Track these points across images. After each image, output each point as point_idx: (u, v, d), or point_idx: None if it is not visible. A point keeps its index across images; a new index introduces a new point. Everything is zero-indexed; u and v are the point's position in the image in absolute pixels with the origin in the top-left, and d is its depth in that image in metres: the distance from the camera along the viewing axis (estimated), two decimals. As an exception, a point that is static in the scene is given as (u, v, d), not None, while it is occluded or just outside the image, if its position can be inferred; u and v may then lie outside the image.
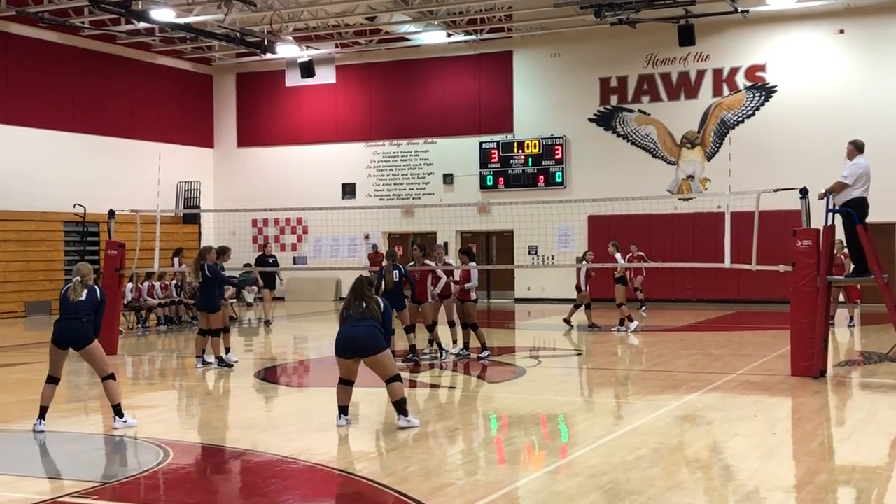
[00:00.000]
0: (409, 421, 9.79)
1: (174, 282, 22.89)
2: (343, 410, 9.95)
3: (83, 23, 26.85)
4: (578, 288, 20.47)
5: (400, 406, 9.81)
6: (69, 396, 12.29)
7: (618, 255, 19.51)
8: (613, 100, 28.85)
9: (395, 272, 14.82)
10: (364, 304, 9.90)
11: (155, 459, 8.71)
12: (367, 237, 30.32)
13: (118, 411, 10.08)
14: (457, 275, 15.90)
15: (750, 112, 27.43)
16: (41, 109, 27.34)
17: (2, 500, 7.35)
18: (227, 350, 15.46)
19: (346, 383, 9.96)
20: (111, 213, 18.20)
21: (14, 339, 19.78)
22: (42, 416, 9.94)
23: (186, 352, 17.84)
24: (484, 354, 15.49)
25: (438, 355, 15.44)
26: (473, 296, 15.59)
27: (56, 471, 8.90)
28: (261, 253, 24.36)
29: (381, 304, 10.06)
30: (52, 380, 10.07)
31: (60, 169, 27.66)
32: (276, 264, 24.15)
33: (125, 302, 20.83)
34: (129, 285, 21.41)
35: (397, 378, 9.87)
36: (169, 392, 13.61)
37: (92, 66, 28.97)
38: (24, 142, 26.77)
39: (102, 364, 10.11)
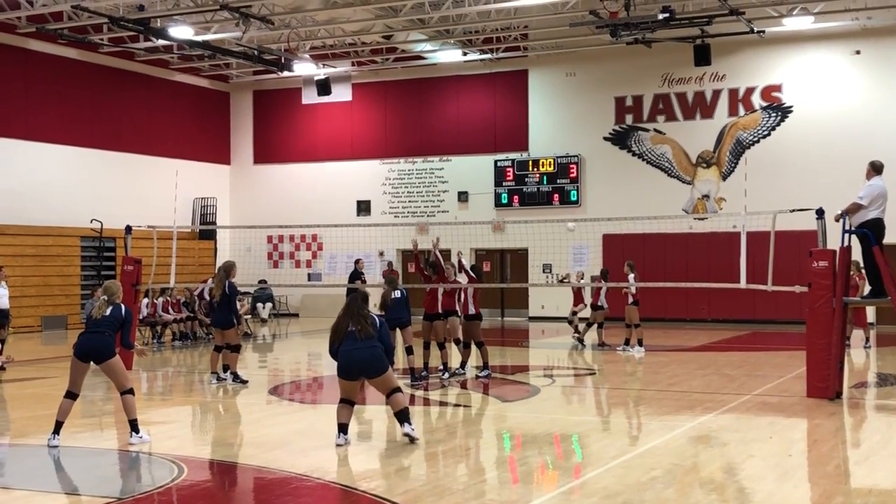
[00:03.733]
0: (413, 429, 9.94)
1: (181, 299, 22.96)
2: (343, 429, 9.95)
3: (102, 40, 27.08)
4: (594, 306, 20.41)
5: (404, 415, 9.96)
6: (84, 412, 12.33)
7: (630, 276, 19.37)
8: (629, 119, 28.86)
9: (397, 292, 14.80)
10: (361, 323, 9.94)
11: (169, 476, 8.73)
12: (381, 254, 30.36)
13: (135, 426, 10.12)
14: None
15: (766, 132, 27.39)
16: (59, 125, 27.54)
17: (17, 515, 7.38)
18: (226, 368, 15.35)
19: (347, 402, 10.01)
20: (128, 228, 18.30)
21: (30, 354, 19.85)
22: (57, 430, 9.98)
23: (201, 367, 17.90)
24: (483, 373, 15.46)
25: (442, 374, 15.35)
26: (472, 310, 15.49)
27: (71, 486, 8.92)
28: (354, 269, 24.16)
29: (378, 322, 10.13)
30: (71, 395, 10.11)
31: (78, 184, 27.84)
32: (364, 281, 24.05)
33: (141, 317, 20.90)
34: (145, 301, 21.49)
35: (398, 389, 10.05)
36: (183, 408, 13.63)
37: (110, 83, 29.18)
38: (42, 157, 26.95)
39: (123, 379, 10.16)
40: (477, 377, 15.45)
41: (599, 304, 20.26)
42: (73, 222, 27.16)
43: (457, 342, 15.91)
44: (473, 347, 15.78)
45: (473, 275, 15.97)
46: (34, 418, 12.04)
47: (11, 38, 25.94)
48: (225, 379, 15.07)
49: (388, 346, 10.17)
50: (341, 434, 9.92)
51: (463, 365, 15.82)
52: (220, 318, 15.22)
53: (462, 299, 15.53)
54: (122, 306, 10.41)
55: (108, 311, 10.21)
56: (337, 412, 10.05)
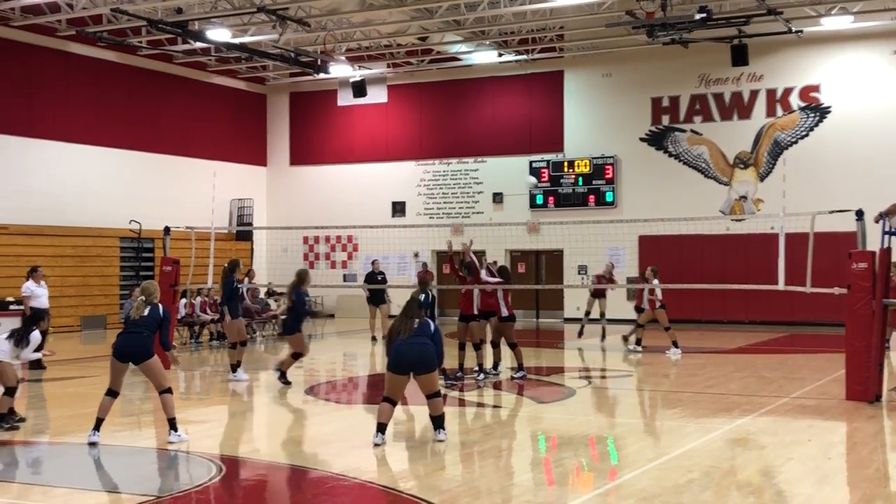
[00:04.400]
0: (445, 437, 10.07)
1: (218, 299, 23.07)
2: (382, 428, 9.98)
3: (141, 42, 27.35)
4: (637, 308, 20.23)
5: (439, 421, 10.11)
6: (123, 410, 12.45)
7: (655, 281, 19.30)
8: (665, 119, 28.71)
9: (422, 295, 14.81)
10: (415, 323, 10.13)
11: (207, 474, 8.80)
12: (416, 255, 30.41)
13: (173, 425, 10.22)
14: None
15: (804, 133, 27.13)
16: (99, 127, 27.82)
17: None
18: (238, 364, 15.74)
19: (390, 402, 10.05)
20: (166, 229, 18.48)
21: (69, 353, 20.07)
22: (97, 427, 10.10)
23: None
24: (518, 374, 15.49)
25: (478, 375, 15.35)
26: (504, 312, 15.50)
27: (110, 484, 9.01)
28: (370, 270, 24.40)
29: (432, 326, 10.26)
30: (112, 393, 10.24)
31: (117, 186, 28.11)
32: (384, 281, 24.06)
33: (179, 317, 21.08)
34: (183, 301, 21.67)
35: (439, 394, 10.19)
36: (220, 407, 13.73)
37: (149, 85, 29.45)
38: (82, 159, 27.26)
39: (161, 378, 10.28)
40: (512, 378, 15.43)
41: (642, 306, 20.08)
42: (112, 223, 27.44)
43: (493, 344, 15.95)
44: (505, 348, 15.79)
45: (499, 277, 15.94)
46: (74, 417, 12.19)
47: (52, 40, 26.26)
48: (289, 383, 14.97)
49: (441, 348, 10.24)
50: (379, 433, 9.95)
51: (495, 366, 15.83)
52: (289, 326, 15.36)
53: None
54: (160, 306, 10.54)
55: (146, 312, 10.34)
56: (379, 410, 10.09)
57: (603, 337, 21.62)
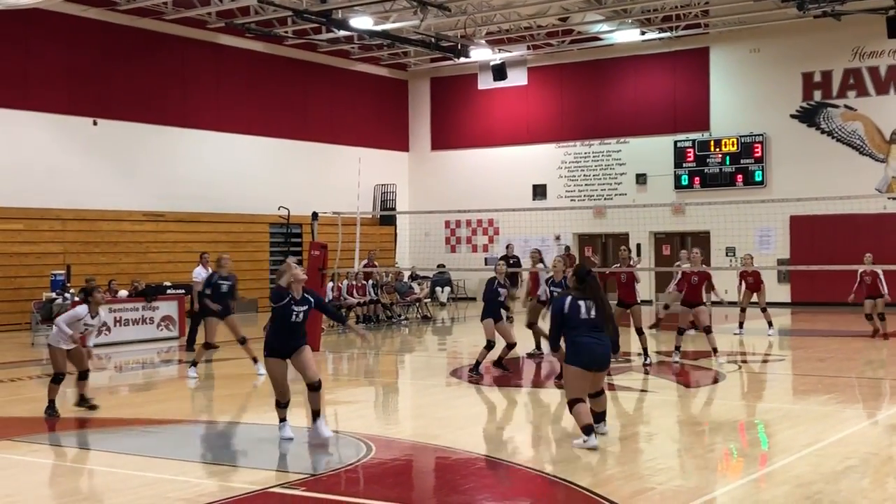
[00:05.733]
0: (604, 430, 9.45)
1: (370, 282, 23.53)
2: (590, 430, 8.94)
3: (287, 33, 28.03)
4: (858, 296, 19.12)
5: (600, 417, 9.47)
6: (271, 392, 12.79)
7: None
8: (817, 95, 27.68)
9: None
10: (600, 307, 9.27)
11: (358, 454, 8.98)
12: (557, 238, 30.26)
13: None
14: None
15: (967, 106, 25.74)
16: (248, 116, 28.67)
17: (216, 489, 7.74)
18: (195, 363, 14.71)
19: (583, 401, 9.09)
20: (314, 214, 18.92)
21: (223, 336, 20.74)
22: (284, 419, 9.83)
23: (384, 349, 18.33)
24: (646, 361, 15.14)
25: (645, 360, 15.14)
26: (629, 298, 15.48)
27: (264, 462, 9.26)
28: (504, 254, 24.48)
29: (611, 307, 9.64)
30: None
31: (266, 173, 28.93)
32: (517, 265, 23.47)
33: (327, 300, 21.55)
34: (330, 284, 22.15)
35: (604, 392, 9.62)
36: (368, 388, 13.99)
37: (295, 74, 30.16)
38: (232, 147, 28.16)
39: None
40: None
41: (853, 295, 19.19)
42: (263, 209, 28.27)
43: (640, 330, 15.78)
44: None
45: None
46: (230, 397, 12.62)
47: (203, 33, 27.16)
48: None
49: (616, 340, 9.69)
50: (591, 434, 8.96)
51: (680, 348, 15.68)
52: (482, 312, 15.07)
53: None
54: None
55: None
56: (577, 413, 9.04)
57: (770, 325, 20.35)
